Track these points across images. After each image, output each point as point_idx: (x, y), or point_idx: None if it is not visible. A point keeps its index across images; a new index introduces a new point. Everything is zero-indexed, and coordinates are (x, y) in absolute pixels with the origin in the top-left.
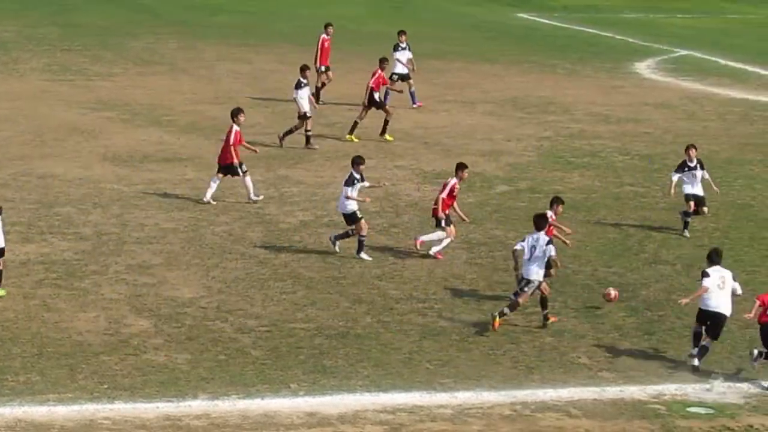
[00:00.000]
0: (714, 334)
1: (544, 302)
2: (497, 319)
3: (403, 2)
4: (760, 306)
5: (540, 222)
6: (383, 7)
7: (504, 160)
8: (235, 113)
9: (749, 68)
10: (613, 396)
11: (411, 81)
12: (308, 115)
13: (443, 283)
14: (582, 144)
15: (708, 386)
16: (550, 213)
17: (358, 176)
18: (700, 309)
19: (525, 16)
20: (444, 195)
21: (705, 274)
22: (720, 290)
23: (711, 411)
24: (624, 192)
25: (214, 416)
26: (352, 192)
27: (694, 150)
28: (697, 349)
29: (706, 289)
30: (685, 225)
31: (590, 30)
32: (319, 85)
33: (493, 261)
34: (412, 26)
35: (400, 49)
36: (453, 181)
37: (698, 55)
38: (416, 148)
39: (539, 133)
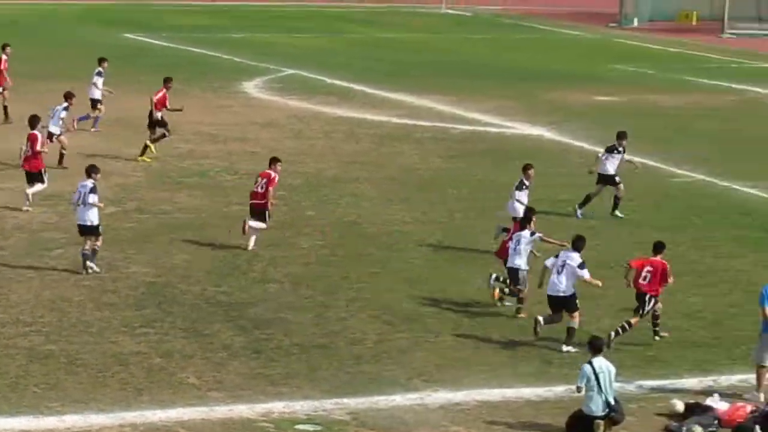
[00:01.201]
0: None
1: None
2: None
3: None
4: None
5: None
6: None
7: (113, 180)
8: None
9: (355, 86)
10: (222, 415)
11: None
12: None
13: (50, 306)
14: (190, 164)
15: None
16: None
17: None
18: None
19: (133, 36)
20: (272, 188)
21: (583, 265)
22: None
23: (319, 428)
24: (232, 211)
25: None
26: None
27: (532, 169)
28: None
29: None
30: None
31: (198, 50)
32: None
33: (101, 283)
34: (26, 49)
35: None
36: (275, 174)
37: (305, 74)
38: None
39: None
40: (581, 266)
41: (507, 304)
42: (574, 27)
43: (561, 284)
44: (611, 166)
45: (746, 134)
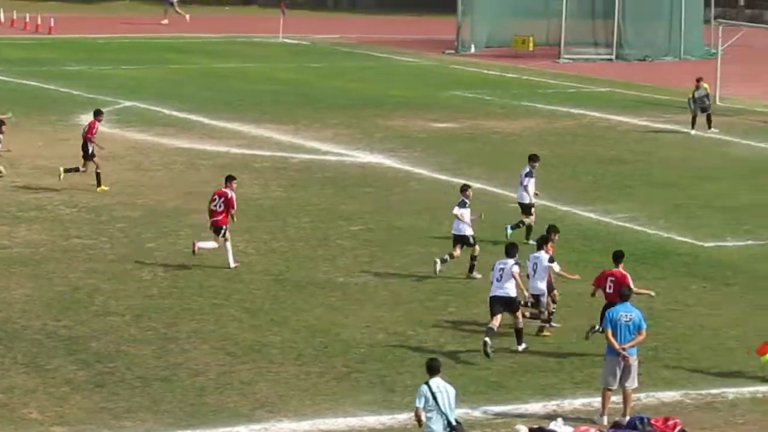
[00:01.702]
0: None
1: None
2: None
3: None
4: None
5: (511, 250)
6: None
7: None
8: None
9: (193, 117)
10: None
11: None
12: None
13: None
14: (29, 197)
15: None
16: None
17: None
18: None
19: None
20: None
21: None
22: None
23: None
24: (72, 244)
25: None
26: None
27: (470, 190)
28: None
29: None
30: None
31: (34, 83)
32: None
33: None
34: None
35: None
36: (231, 193)
37: (143, 105)
38: None
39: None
40: (551, 260)
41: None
42: (412, 54)
43: (509, 288)
44: (529, 193)
45: (585, 158)
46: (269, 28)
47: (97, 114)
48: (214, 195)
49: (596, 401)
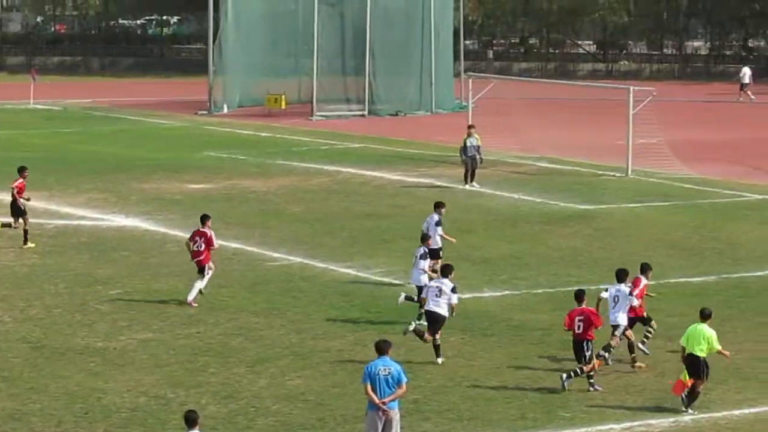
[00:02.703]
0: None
1: (631, 347)
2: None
3: None
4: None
5: (621, 275)
6: None
7: None
8: None
9: None
10: None
11: None
12: None
13: None
14: None
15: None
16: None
17: None
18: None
19: None
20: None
21: (455, 290)
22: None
23: None
24: None
25: None
26: None
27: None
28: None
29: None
30: None
31: None
32: None
33: None
34: None
35: None
36: (210, 232)
37: None
38: None
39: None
40: (453, 290)
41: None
42: (165, 116)
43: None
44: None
45: (341, 215)
46: (20, 94)
47: (22, 171)
48: (194, 236)
49: None
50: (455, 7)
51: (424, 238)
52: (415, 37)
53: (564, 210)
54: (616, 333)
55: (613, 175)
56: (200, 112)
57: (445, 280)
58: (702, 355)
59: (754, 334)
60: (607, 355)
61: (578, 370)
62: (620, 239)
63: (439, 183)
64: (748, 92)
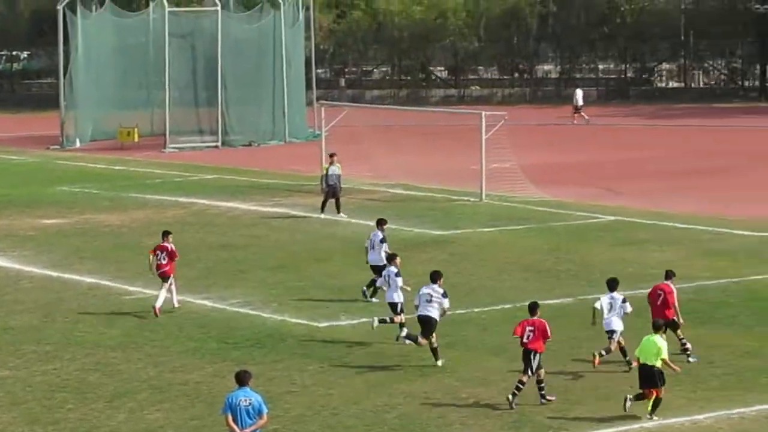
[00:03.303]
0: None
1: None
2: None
3: None
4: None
5: (612, 284)
6: None
7: None
8: None
9: None
10: None
11: None
12: None
13: None
14: None
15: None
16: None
17: None
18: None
19: None
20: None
21: (446, 294)
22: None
23: None
24: None
25: None
26: None
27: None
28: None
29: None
30: None
31: None
32: None
33: None
34: None
35: None
36: (171, 246)
37: None
38: None
39: None
40: (444, 295)
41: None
42: (16, 152)
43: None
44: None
45: (197, 246)
46: None
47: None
48: (155, 250)
49: None
50: (306, 36)
51: (389, 259)
52: (267, 67)
53: (419, 236)
54: (613, 337)
55: (468, 200)
56: (52, 147)
57: (435, 286)
58: (656, 364)
59: (611, 353)
60: (604, 353)
61: (520, 384)
62: (476, 264)
63: (294, 212)
64: (583, 114)
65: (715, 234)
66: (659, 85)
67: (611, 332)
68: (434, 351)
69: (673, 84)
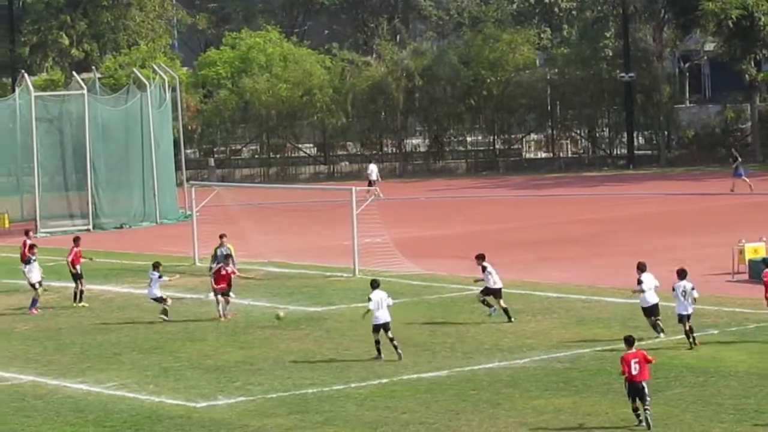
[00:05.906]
0: None
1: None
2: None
3: None
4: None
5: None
6: None
7: None
8: None
9: None
10: None
11: None
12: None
13: None
14: None
15: None
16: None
17: None
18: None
19: None
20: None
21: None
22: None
23: None
24: None
25: None
26: None
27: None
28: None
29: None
30: None
31: None
32: None
33: None
34: None
35: None
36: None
37: None
38: None
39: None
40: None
41: None
42: None
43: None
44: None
45: (70, 330)
46: None
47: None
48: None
49: None
50: (174, 117)
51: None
52: (136, 149)
53: (294, 313)
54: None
55: (341, 276)
56: None
57: (383, 294)
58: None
59: (488, 426)
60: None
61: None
62: (351, 339)
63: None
64: (377, 189)
65: (588, 302)
66: (528, 155)
67: (687, 316)
68: (395, 346)
69: (541, 154)
